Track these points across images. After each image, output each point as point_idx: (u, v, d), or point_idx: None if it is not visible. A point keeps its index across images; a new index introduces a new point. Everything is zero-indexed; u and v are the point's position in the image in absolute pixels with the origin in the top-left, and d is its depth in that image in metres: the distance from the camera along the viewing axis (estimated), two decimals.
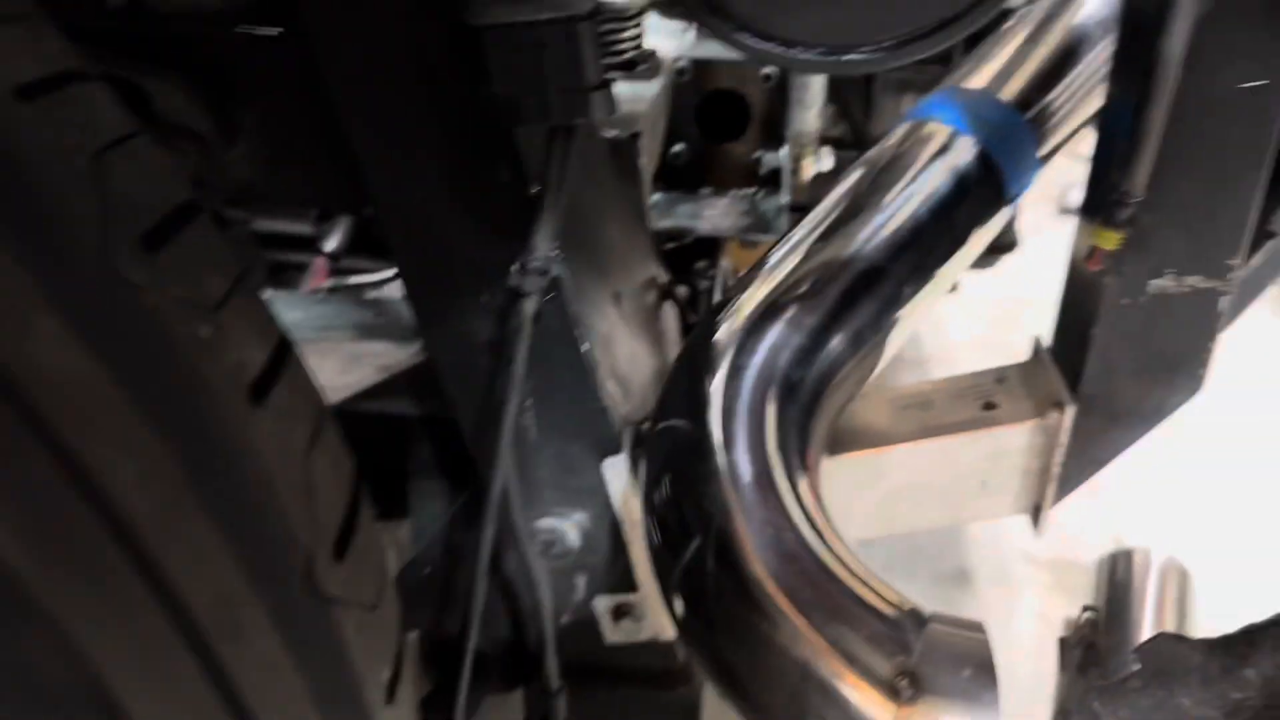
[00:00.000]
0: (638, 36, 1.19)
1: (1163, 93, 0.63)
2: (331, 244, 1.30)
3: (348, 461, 0.50)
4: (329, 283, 1.17)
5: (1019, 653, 1.55)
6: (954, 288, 1.63)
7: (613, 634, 0.90)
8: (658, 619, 0.88)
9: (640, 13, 1.16)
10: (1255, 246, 0.86)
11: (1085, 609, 0.60)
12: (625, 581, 0.87)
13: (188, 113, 0.72)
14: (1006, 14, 1.35)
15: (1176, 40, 0.61)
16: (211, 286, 0.40)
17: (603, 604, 0.88)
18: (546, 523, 0.85)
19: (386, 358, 1.02)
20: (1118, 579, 0.69)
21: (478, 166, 0.70)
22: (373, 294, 1.20)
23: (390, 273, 1.23)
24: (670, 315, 1.09)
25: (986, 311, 1.56)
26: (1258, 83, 0.65)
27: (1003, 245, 1.51)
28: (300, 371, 0.46)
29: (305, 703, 0.42)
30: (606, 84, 0.55)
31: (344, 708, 0.46)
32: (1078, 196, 0.74)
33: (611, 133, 0.97)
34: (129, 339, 0.35)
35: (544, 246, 0.62)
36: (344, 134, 0.71)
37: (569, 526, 0.86)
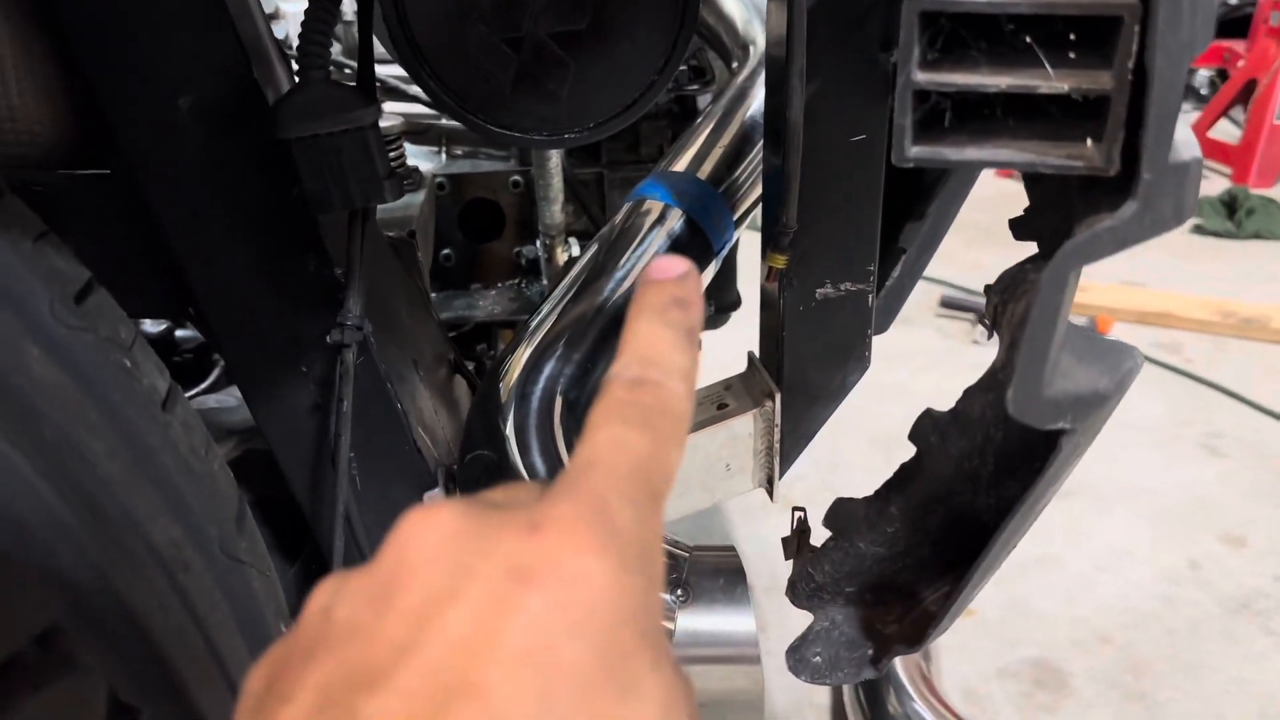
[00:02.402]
0: (400, 156, 1.39)
1: (795, 148, 0.88)
2: None
3: (230, 474, 0.64)
4: None
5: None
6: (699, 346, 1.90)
7: None
8: None
9: (398, 138, 1.37)
10: (895, 260, 1.15)
11: (795, 509, 0.81)
12: None
13: None
14: (695, 109, 1.66)
15: (797, 111, 0.87)
16: None
17: None
18: None
19: None
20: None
21: (288, 259, 0.85)
22: None
23: (190, 393, 1.33)
24: (462, 386, 1.26)
25: (731, 360, 1.86)
26: (860, 137, 0.92)
27: (730, 304, 1.79)
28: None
29: (235, 633, 0.56)
30: (393, 172, 0.73)
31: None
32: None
33: (392, 233, 1.15)
34: None
35: (355, 307, 0.79)
36: (166, 249, 0.85)
37: None
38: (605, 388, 0.36)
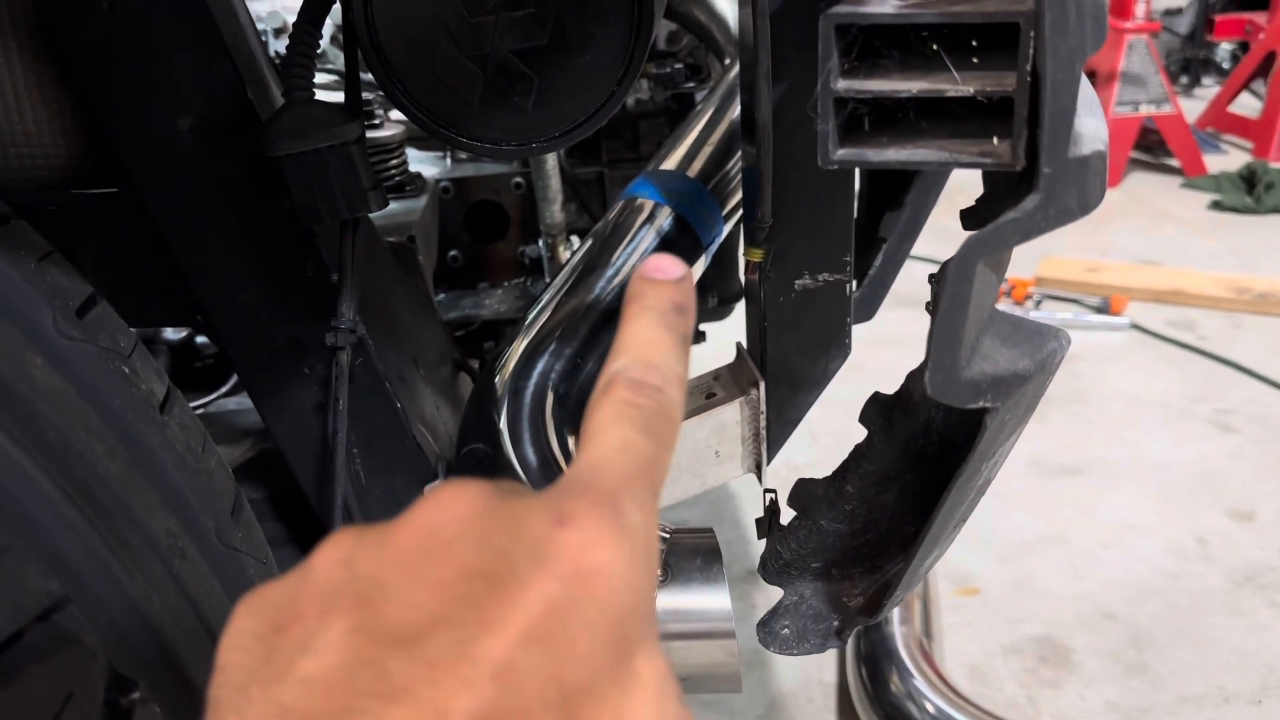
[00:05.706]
0: (402, 163, 1.45)
1: (766, 147, 0.92)
2: None
3: (228, 470, 0.69)
4: None
5: None
6: (702, 338, 1.94)
7: None
8: None
9: (400, 146, 1.42)
10: (877, 250, 1.18)
11: (766, 491, 0.85)
12: None
13: None
14: (692, 106, 1.70)
15: (765, 111, 0.91)
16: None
17: None
18: None
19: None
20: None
21: (287, 267, 0.91)
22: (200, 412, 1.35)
23: (209, 397, 1.39)
24: (466, 382, 1.31)
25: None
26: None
27: (733, 296, 1.83)
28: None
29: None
30: (379, 184, 0.78)
31: None
32: None
33: (393, 239, 1.20)
34: None
35: (348, 311, 0.84)
36: (173, 261, 0.90)
37: None
38: (608, 385, 0.37)
